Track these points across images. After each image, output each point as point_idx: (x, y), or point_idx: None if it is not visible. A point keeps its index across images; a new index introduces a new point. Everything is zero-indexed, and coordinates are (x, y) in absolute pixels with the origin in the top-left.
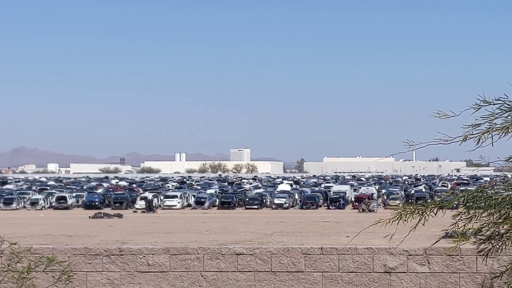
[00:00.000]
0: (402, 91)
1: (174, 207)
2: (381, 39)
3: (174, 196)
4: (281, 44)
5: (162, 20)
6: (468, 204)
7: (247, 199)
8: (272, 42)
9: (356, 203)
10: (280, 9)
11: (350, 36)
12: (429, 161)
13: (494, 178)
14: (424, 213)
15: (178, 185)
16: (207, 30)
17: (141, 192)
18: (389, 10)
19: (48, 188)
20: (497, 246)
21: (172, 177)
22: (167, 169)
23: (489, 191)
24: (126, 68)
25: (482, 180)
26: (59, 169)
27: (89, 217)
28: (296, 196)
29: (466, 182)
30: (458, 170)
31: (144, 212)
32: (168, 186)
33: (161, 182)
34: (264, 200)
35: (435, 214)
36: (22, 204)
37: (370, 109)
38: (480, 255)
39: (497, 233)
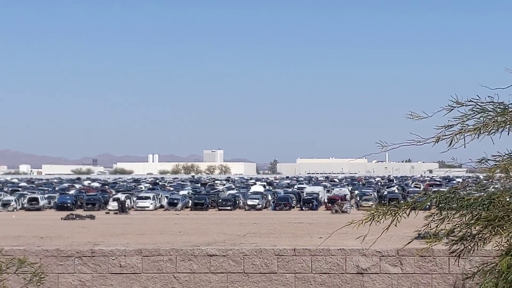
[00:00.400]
0: (375, 91)
1: (146, 209)
2: (353, 39)
3: (147, 197)
4: (254, 44)
5: (135, 21)
6: (440, 205)
7: (220, 200)
8: (245, 42)
9: (329, 204)
10: (251, 8)
11: (323, 35)
12: (402, 162)
13: (467, 180)
14: (397, 214)
15: (150, 186)
16: (182, 32)
17: (113, 193)
18: (363, 10)
19: (20, 189)
20: (469, 247)
21: (145, 178)
22: (140, 170)
23: (462, 192)
24: (97, 69)
25: (454, 181)
26: (31, 170)
27: (61, 218)
28: (269, 197)
29: (438, 183)
30: (430, 171)
31: (116, 213)
32: (141, 187)
33: (134, 183)
34: (237, 201)
35: (408, 215)
36: None
37: (343, 110)
38: (452, 256)
39: (469, 234)
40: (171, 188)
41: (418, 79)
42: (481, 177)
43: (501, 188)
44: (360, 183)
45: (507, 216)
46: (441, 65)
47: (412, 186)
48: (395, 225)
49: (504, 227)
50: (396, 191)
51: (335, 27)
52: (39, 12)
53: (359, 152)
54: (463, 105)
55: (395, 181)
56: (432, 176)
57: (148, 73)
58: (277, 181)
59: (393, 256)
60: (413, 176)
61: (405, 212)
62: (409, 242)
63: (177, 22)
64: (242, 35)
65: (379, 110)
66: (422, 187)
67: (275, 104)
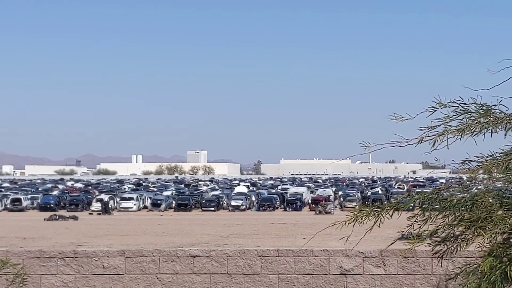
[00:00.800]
0: (359, 93)
1: (130, 209)
2: (336, 40)
3: (130, 198)
4: (238, 45)
5: (121, 20)
6: (423, 206)
7: (203, 201)
8: (227, 42)
9: (313, 205)
10: (234, 10)
11: (304, 36)
12: (386, 163)
13: (450, 180)
14: (380, 215)
15: (134, 187)
16: (163, 31)
17: (97, 194)
18: (347, 11)
19: (3, 190)
20: (452, 248)
21: (129, 179)
22: (123, 171)
23: (445, 193)
24: (83, 68)
25: (437, 182)
26: (14, 171)
27: (44, 219)
28: (253, 198)
29: (422, 184)
30: (414, 172)
31: (100, 214)
32: (124, 188)
33: (117, 184)
34: (220, 202)
35: (391, 216)
36: None
37: (327, 111)
38: (435, 256)
39: (452, 235)
40: (155, 189)
41: (401, 80)
42: (464, 178)
43: (484, 189)
44: (344, 184)
45: (489, 217)
46: (425, 67)
47: (396, 187)
48: (379, 226)
49: (487, 228)
50: (380, 192)
51: (318, 29)
52: (24, 9)
53: (343, 153)
54: (446, 107)
55: (378, 182)
56: (416, 177)
57: (132, 73)
58: (260, 182)
59: (376, 257)
60: (397, 177)
61: (388, 213)
62: (392, 243)
63: (160, 21)
64: (226, 36)
65: (363, 111)
66: (405, 188)
67: (259, 105)
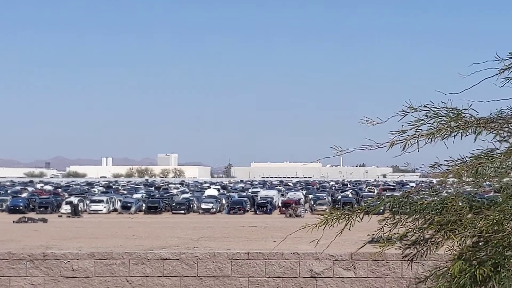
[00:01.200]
0: (330, 96)
1: (100, 212)
2: (309, 40)
3: (100, 201)
4: (205, 45)
5: (67, 17)
6: (393, 210)
7: (174, 204)
8: (199, 41)
9: (283, 208)
10: (193, 9)
11: (272, 34)
12: (356, 166)
13: (420, 184)
14: (350, 218)
15: (104, 189)
16: (143, 26)
17: (66, 196)
18: (321, 4)
19: None
20: (422, 251)
21: (98, 182)
22: (93, 173)
23: (415, 197)
24: (51, 69)
25: (408, 186)
26: None
27: (13, 221)
28: (224, 201)
29: (392, 187)
30: (384, 176)
31: (69, 216)
32: (94, 191)
33: (87, 187)
34: (191, 205)
35: (361, 219)
36: None
37: (298, 113)
38: (405, 260)
39: (422, 238)
40: (125, 192)
41: (372, 84)
42: (434, 181)
43: (454, 193)
44: (314, 187)
45: (459, 220)
46: (395, 71)
47: (366, 190)
48: (349, 229)
49: (457, 232)
50: (350, 195)
51: (284, 26)
52: None
53: (313, 156)
54: (417, 110)
55: (349, 186)
56: (386, 181)
57: (102, 75)
58: (231, 185)
59: (347, 260)
60: (367, 180)
61: (358, 216)
62: (362, 246)
63: (120, 17)
64: (199, 35)
65: (334, 114)
66: (376, 191)
67: (230, 108)
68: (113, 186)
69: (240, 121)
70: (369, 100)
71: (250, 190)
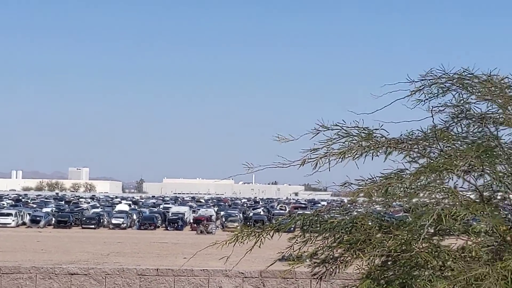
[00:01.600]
0: (241, 112)
1: (8, 225)
2: (223, 50)
3: (9, 214)
4: (115, 58)
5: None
6: (304, 228)
7: (84, 219)
8: (105, 53)
9: (195, 225)
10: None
11: (177, 45)
12: (268, 184)
13: (331, 203)
14: (261, 235)
15: (13, 202)
16: (40, 36)
17: None
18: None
19: None
20: (331, 270)
21: (7, 195)
22: (3, 186)
23: (325, 215)
24: None
25: (319, 204)
26: None
27: None
28: (134, 217)
29: (303, 206)
30: (296, 194)
31: None
32: (3, 204)
33: None
34: (101, 220)
35: (271, 237)
36: None
37: (210, 130)
38: (314, 278)
39: (331, 256)
40: (34, 205)
41: (286, 101)
42: (345, 200)
43: (364, 212)
44: (226, 204)
45: (368, 239)
46: (307, 90)
47: (278, 208)
48: (259, 247)
49: (365, 251)
50: (262, 213)
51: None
52: None
53: (226, 173)
54: (328, 129)
55: (261, 203)
56: (298, 199)
57: (11, 84)
58: (142, 200)
59: (256, 277)
60: (279, 198)
61: (269, 233)
62: (272, 264)
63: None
64: (101, 47)
65: (246, 131)
66: (287, 209)
67: (141, 123)
68: (22, 200)
69: (153, 136)
70: (284, 117)
71: (161, 206)
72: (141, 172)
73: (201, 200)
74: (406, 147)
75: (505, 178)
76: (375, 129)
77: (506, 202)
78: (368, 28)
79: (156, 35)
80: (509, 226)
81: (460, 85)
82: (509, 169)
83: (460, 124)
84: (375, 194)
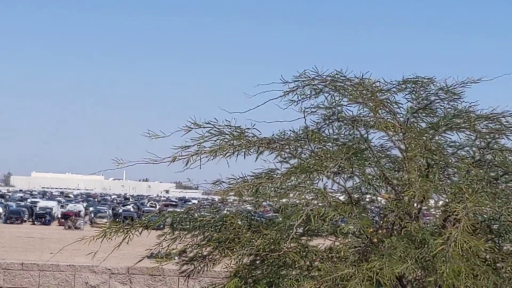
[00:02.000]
0: (113, 108)
1: None
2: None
3: None
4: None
5: None
6: (173, 225)
7: None
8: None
9: (63, 220)
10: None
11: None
12: (139, 181)
13: (202, 201)
14: (129, 232)
15: None
16: None
17: None
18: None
19: None
20: (199, 268)
21: None
22: None
23: (195, 214)
24: None
25: (190, 202)
26: None
27: None
28: (0, 210)
29: (174, 203)
30: (167, 192)
31: None
32: None
33: None
34: None
35: (140, 234)
36: None
37: (81, 124)
38: (182, 276)
39: (200, 254)
40: None
41: (155, 95)
42: (216, 199)
43: (234, 211)
44: (96, 199)
45: (237, 238)
46: (182, 87)
47: (148, 205)
48: (127, 243)
49: (234, 249)
50: (132, 209)
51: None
52: None
53: (96, 168)
54: (200, 127)
55: (131, 200)
56: (169, 196)
57: None
58: (9, 194)
59: (123, 274)
60: (150, 195)
61: (137, 230)
62: (140, 261)
63: None
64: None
65: (117, 126)
66: (158, 206)
67: (8, 114)
68: None
69: (21, 128)
70: (151, 113)
71: (29, 200)
72: (8, 165)
73: (70, 195)
74: (278, 147)
75: (373, 180)
76: (247, 128)
77: (374, 204)
78: (239, 27)
79: None
80: (376, 228)
81: (333, 87)
82: (378, 172)
83: (332, 126)
84: (246, 193)
